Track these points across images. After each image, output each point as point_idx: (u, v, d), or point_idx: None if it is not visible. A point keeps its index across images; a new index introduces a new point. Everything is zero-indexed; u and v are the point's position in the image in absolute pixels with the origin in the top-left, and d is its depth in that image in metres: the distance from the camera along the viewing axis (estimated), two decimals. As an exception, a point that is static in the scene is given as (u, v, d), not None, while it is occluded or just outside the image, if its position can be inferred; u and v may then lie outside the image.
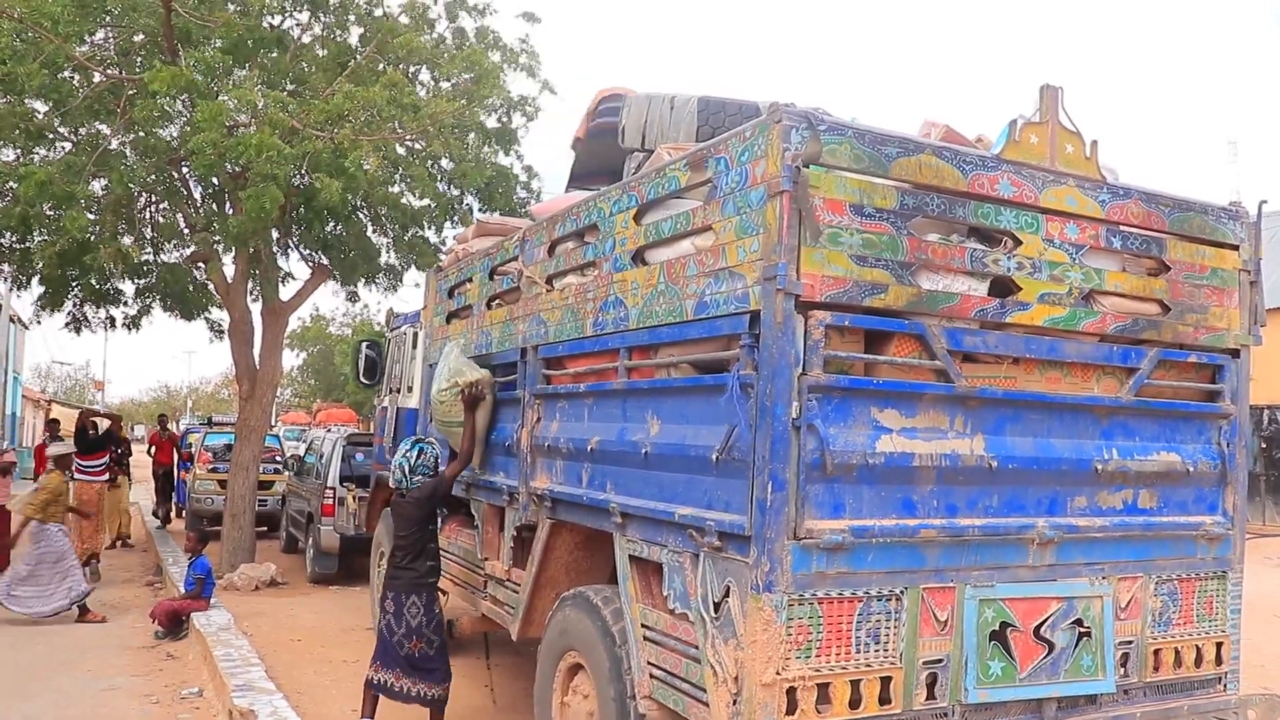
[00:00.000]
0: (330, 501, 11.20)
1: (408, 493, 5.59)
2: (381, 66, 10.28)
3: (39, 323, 14.27)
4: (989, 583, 3.69)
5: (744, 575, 3.35)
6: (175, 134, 10.15)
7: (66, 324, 12.12)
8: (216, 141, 8.61)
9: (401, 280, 12.72)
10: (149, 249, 11.45)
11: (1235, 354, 4.36)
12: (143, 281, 11.84)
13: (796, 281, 3.31)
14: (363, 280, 12.42)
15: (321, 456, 12.35)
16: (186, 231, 11.30)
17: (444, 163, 10.75)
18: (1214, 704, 4.21)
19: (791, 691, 3.32)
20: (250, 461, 11.92)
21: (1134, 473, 4.05)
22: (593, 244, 4.70)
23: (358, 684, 7.05)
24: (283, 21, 11.11)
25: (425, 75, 11.32)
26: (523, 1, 11.32)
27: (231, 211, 10.58)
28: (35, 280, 11.17)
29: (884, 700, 3.48)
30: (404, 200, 10.89)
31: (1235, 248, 4.37)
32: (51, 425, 12.76)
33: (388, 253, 12.33)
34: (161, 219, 11.76)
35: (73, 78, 9.66)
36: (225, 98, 9.33)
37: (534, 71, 11.15)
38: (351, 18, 11.06)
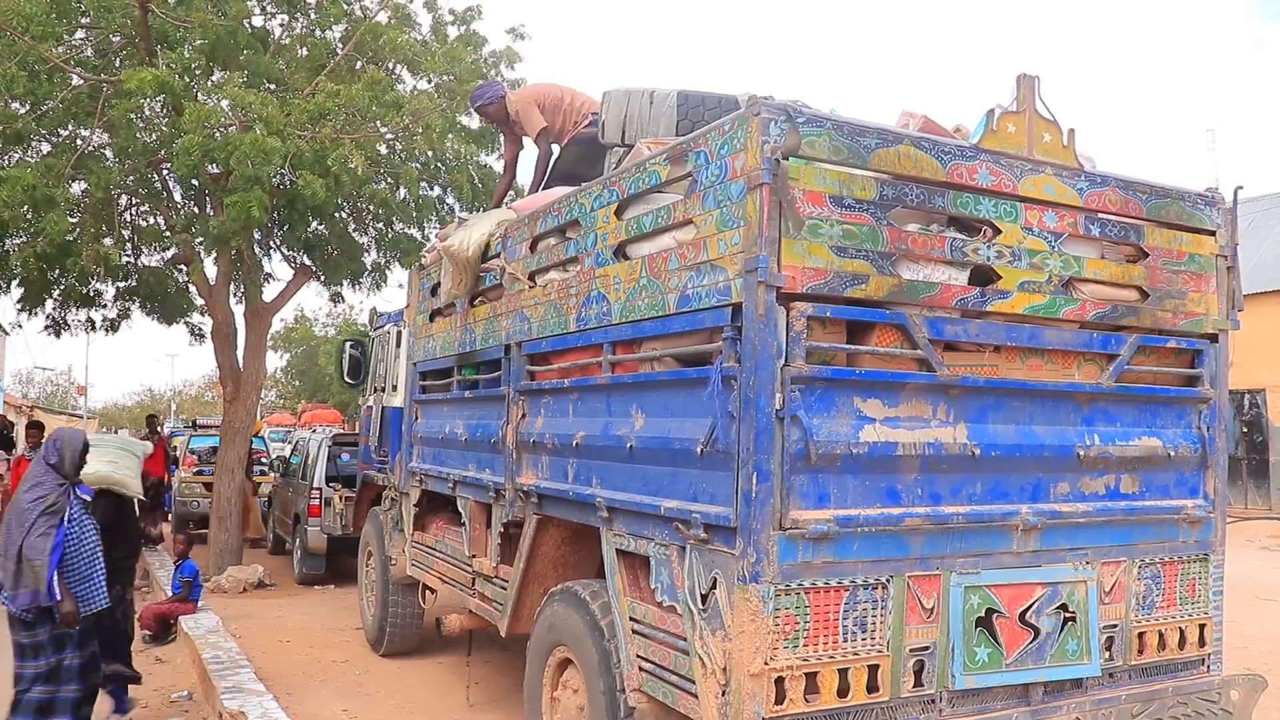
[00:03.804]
0: (316, 502, 11.19)
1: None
2: (360, 65, 10.26)
3: (20, 327, 14.15)
4: (974, 569, 3.71)
5: (730, 567, 3.37)
6: (155, 136, 10.10)
7: (45, 327, 12.05)
8: (203, 143, 8.58)
9: (386, 279, 12.72)
10: (129, 251, 11.39)
11: (1214, 339, 4.40)
12: (123, 284, 11.78)
13: (778, 273, 3.32)
14: (347, 280, 12.40)
15: (307, 457, 12.32)
16: (167, 234, 11.25)
17: (427, 154, 10.75)
18: (1197, 685, 4.24)
19: (780, 681, 3.34)
20: (236, 464, 11.89)
21: (1116, 458, 4.08)
22: (574, 239, 4.71)
23: (348, 683, 7.08)
24: (265, 22, 11.07)
25: (407, 76, 11.31)
26: (511, 13, 11.38)
27: (213, 213, 10.54)
28: (13, 283, 11.10)
29: (871, 688, 3.50)
30: (399, 195, 10.89)
31: (1212, 233, 4.40)
32: (34, 431, 11.75)
33: (373, 251, 12.31)
34: (142, 221, 11.71)
35: (50, 79, 9.59)
36: (207, 98, 9.28)
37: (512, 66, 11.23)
38: (332, 17, 11.03)
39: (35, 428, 11.02)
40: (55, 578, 4.88)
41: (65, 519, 5.01)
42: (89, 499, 5.41)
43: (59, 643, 5.12)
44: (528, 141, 6.73)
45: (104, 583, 5.29)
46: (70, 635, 5.13)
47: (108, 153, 10.36)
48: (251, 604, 10.01)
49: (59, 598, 4.89)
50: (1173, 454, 4.23)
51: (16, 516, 5.02)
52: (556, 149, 6.45)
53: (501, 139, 6.99)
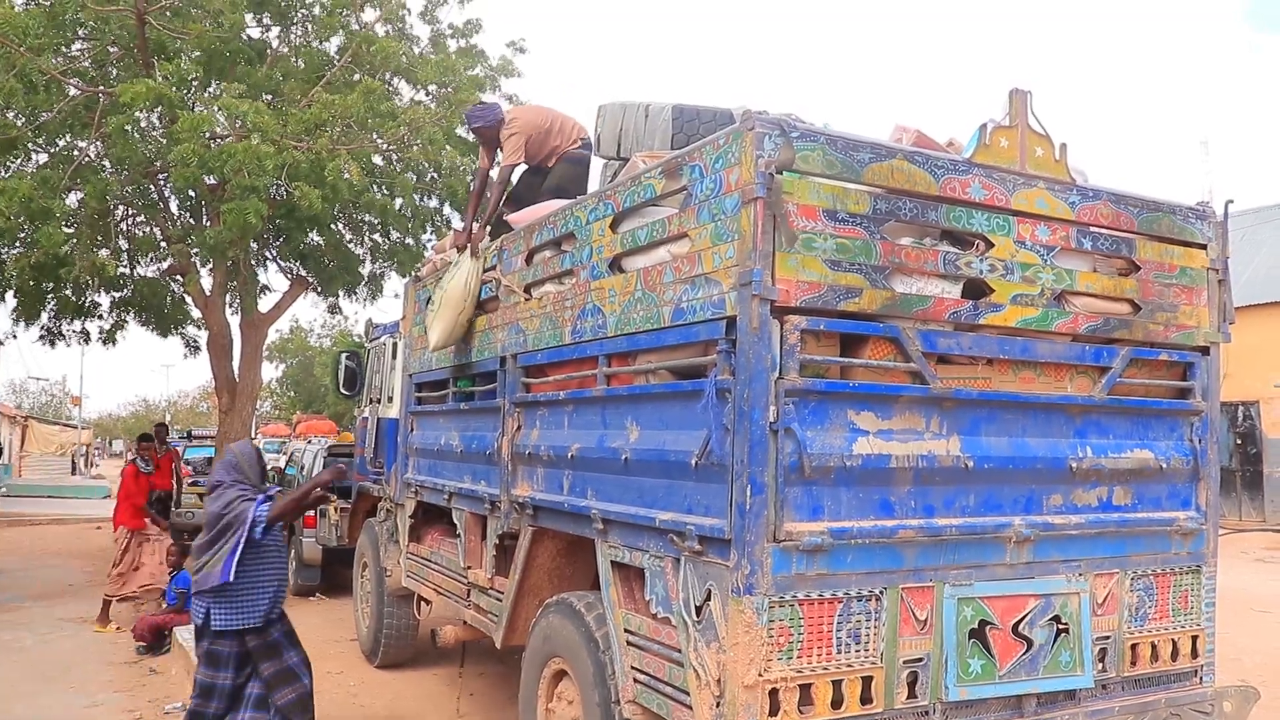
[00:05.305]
0: (311, 513, 11.16)
1: None
2: (357, 76, 10.30)
3: (14, 337, 14.12)
4: (967, 581, 3.72)
5: (725, 578, 3.38)
6: (152, 147, 10.12)
7: (40, 337, 12.05)
8: (199, 152, 8.60)
9: (381, 290, 12.76)
10: (125, 262, 11.42)
11: (1205, 351, 4.42)
12: (118, 295, 11.80)
13: (772, 287, 3.34)
14: (342, 291, 12.43)
15: (302, 469, 12.31)
16: (164, 244, 11.28)
17: (424, 165, 10.79)
18: (1190, 697, 4.25)
19: (774, 693, 3.34)
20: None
21: (1108, 470, 4.10)
22: (570, 252, 4.73)
23: (343, 694, 7.08)
24: (263, 34, 11.12)
25: (404, 88, 11.37)
26: (509, 26, 11.49)
27: (209, 223, 10.57)
28: (9, 293, 11.10)
29: (865, 700, 3.51)
30: (394, 204, 10.93)
31: (1203, 247, 4.43)
32: (158, 432, 10.79)
33: (369, 262, 12.35)
34: (138, 232, 11.73)
35: (47, 90, 9.62)
36: (202, 108, 9.32)
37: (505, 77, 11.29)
38: (328, 30, 11.08)
39: (146, 440, 10.74)
40: (234, 562, 4.83)
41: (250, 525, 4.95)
42: (277, 492, 5.31)
43: (211, 660, 5.02)
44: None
45: (267, 603, 5.09)
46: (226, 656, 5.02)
47: (105, 164, 10.38)
48: (246, 615, 9.96)
49: (229, 578, 4.83)
50: (1165, 466, 4.25)
51: (207, 524, 5.07)
52: (520, 172, 6.53)
53: (481, 152, 6.97)
